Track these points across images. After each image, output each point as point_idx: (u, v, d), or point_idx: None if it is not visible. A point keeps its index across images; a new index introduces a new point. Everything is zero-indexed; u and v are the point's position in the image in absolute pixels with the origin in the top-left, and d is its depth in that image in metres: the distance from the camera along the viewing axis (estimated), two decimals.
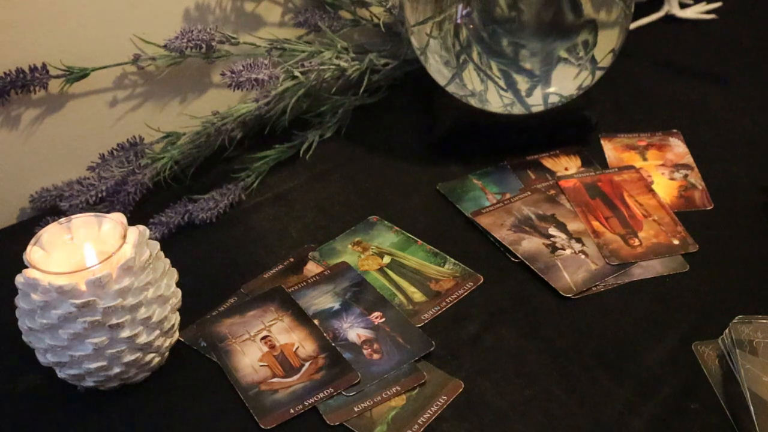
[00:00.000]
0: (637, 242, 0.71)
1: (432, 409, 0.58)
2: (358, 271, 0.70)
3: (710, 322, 0.63)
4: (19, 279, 0.56)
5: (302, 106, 0.88)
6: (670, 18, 1.08)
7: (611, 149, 0.83)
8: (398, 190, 0.80)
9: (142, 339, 0.57)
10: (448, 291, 0.68)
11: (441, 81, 0.81)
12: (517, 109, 0.80)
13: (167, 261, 0.61)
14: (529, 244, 0.71)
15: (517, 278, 0.69)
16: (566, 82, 0.77)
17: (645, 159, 0.82)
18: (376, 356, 0.62)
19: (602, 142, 0.85)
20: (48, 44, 0.76)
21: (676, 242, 0.71)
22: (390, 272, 0.70)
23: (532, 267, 0.69)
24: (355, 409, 0.58)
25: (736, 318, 0.61)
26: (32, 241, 0.57)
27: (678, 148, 0.83)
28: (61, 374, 0.59)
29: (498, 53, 0.75)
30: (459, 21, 0.75)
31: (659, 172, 0.80)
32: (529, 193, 0.77)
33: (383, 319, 0.65)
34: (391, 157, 0.85)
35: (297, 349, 0.63)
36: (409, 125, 0.90)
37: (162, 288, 0.59)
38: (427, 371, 0.61)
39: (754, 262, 0.69)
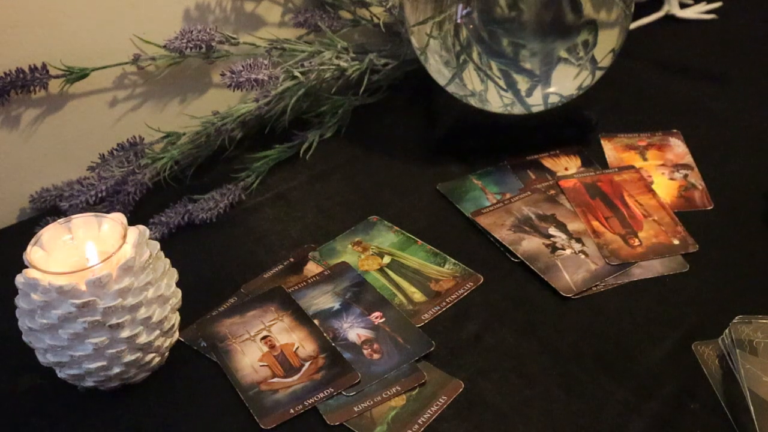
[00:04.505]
0: (637, 242, 0.71)
1: (432, 409, 0.58)
2: (358, 271, 0.70)
3: (710, 322, 0.63)
4: (19, 279, 0.56)
5: (302, 106, 0.88)
6: (670, 18, 1.08)
7: (611, 149, 0.83)
8: (398, 190, 0.80)
9: (142, 339, 0.57)
10: (448, 291, 0.68)
11: (441, 81, 0.81)
12: (517, 109, 0.80)
13: (167, 261, 0.61)
14: (529, 244, 0.71)
15: (517, 278, 0.69)
16: (566, 82, 0.77)
17: (645, 159, 0.82)
18: (376, 356, 0.62)
19: (602, 142, 0.85)
20: (48, 44, 0.76)
21: (676, 242, 0.71)
22: (390, 272, 0.70)
23: (532, 267, 0.69)
24: (355, 409, 0.58)
25: (736, 318, 0.61)
26: (32, 241, 0.57)
27: (678, 148, 0.83)
28: (61, 374, 0.59)
29: (498, 53, 0.75)
30: (459, 21, 0.75)
31: (659, 172, 0.80)
32: (529, 193, 0.77)
33: (383, 319, 0.65)
34: (391, 157, 0.85)
35: (297, 349, 0.63)
36: (409, 125, 0.90)
37: (162, 288, 0.59)
38: (427, 371, 0.61)
39: (754, 262, 0.69)
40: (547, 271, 0.68)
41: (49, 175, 0.80)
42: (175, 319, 0.62)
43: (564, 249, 0.71)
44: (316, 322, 0.65)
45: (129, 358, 0.57)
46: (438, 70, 0.80)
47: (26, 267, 0.56)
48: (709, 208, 0.75)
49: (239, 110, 0.81)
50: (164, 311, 0.59)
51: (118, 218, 0.58)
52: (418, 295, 0.67)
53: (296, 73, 0.82)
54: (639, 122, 0.87)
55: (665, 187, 0.78)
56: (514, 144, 0.83)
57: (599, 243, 0.71)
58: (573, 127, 0.85)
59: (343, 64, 0.86)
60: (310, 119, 0.88)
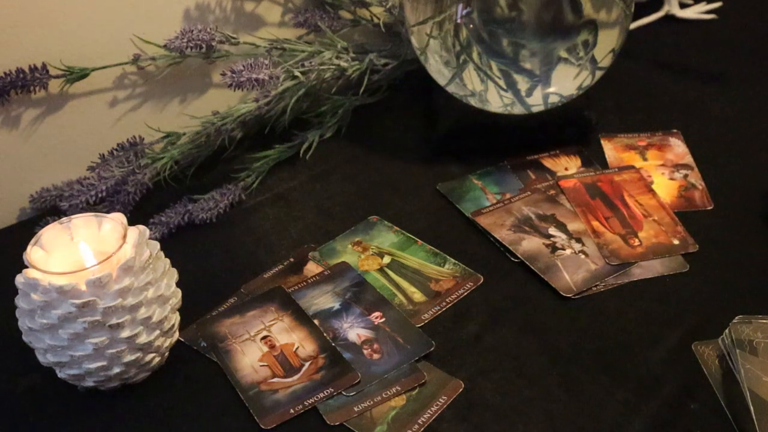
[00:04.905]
0: (637, 242, 0.71)
1: (432, 409, 0.58)
2: (358, 271, 0.70)
3: (710, 322, 0.63)
4: (19, 279, 0.56)
5: (302, 106, 0.88)
6: (670, 18, 1.08)
7: (611, 149, 0.83)
8: (398, 190, 0.80)
9: (142, 339, 0.57)
10: (448, 291, 0.68)
11: (441, 81, 0.81)
12: (517, 109, 0.80)
13: (167, 261, 0.61)
14: (529, 244, 0.71)
15: (517, 278, 0.69)
16: (566, 82, 0.77)
17: (645, 159, 0.82)
18: (376, 356, 0.62)
19: (602, 142, 0.85)
20: (48, 44, 0.76)
21: (676, 242, 0.71)
22: (390, 272, 0.70)
23: (532, 267, 0.69)
24: (355, 409, 0.58)
25: (736, 318, 0.61)
26: (32, 241, 0.57)
27: (678, 148, 0.83)
28: (61, 374, 0.59)
29: (498, 53, 0.75)
30: (459, 21, 0.75)
31: (659, 172, 0.80)
32: (529, 193, 0.77)
33: (383, 319, 0.65)
34: (391, 157, 0.85)
35: (297, 349, 0.63)
36: (409, 125, 0.90)
37: (162, 288, 0.59)
38: (427, 371, 0.61)
39: (754, 262, 0.69)
40: (547, 271, 0.68)
41: (49, 175, 0.80)
42: (175, 319, 0.62)
43: (564, 249, 0.71)
44: (316, 322, 0.65)
45: (129, 358, 0.57)
46: (438, 70, 0.80)
47: (26, 267, 0.56)
48: (709, 208, 0.75)
49: (239, 110, 0.81)
50: (164, 311, 0.59)
51: (118, 218, 0.58)
52: (418, 295, 0.67)
53: (296, 73, 0.82)
54: (639, 122, 0.87)
55: (665, 187, 0.78)
56: (514, 144, 0.83)
57: (599, 243, 0.71)
58: (573, 127, 0.85)
59: (343, 64, 0.86)
60: (310, 119, 0.88)
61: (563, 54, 0.75)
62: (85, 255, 0.58)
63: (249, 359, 0.62)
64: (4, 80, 0.74)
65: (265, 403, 0.59)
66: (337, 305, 0.67)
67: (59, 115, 0.80)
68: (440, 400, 0.59)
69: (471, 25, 0.74)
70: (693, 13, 1.07)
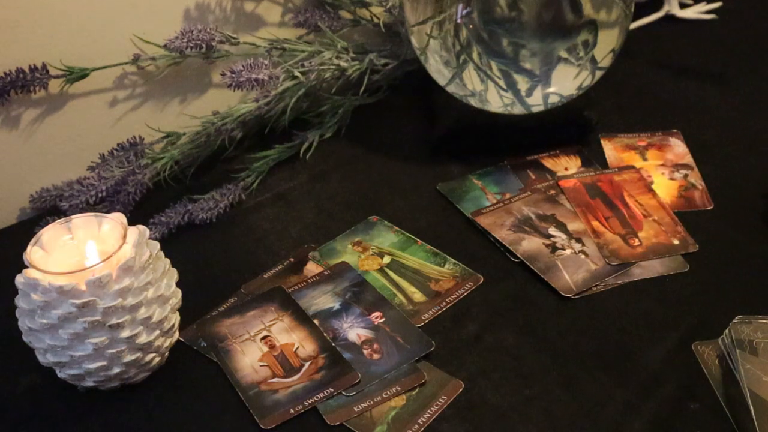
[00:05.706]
0: (637, 242, 0.71)
1: (432, 409, 0.58)
2: (358, 271, 0.70)
3: (710, 322, 0.63)
4: (19, 279, 0.56)
5: (302, 106, 0.88)
6: (670, 18, 1.08)
7: (611, 149, 0.83)
8: (398, 190, 0.80)
9: (142, 339, 0.57)
10: (448, 291, 0.68)
11: (441, 81, 0.81)
12: (517, 109, 0.80)
13: (167, 261, 0.61)
14: (529, 244, 0.71)
15: (517, 278, 0.69)
16: (566, 82, 0.77)
17: (645, 159, 0.82)
18: (376, 356, 0.62)
19: (602, 142, 0.85)
20: (48, 44, 0.76)
21: (676, 242, 0.71)
22: (390, 272, 0.70)
23: (532, 267, 0.69)
24: (355, 409, 0.58)
25: (736, 318, 0.61)
26: (32, 241, 0.57)
27: (678, 148, 0.83)
28: (61, 374, 0.59)
29: (498, 53, 0.75)
30: (459, 21, 0.75)
31: (659, 172, 0.80)
32: (529, 193, 0.77)
33: (383, 319, 0.65)
34: (391, 157, 0.85)
35: (297, 349, 0.63)
36: (409, 125, 0.90)
37: (162, 288, 0.59)
38: (427, 371, 0.61)
39: (754, 262, 0.69)
40: (547, 271, 0.68)
41: (49, 175, 0.80)
42: (175, 319, 0.62)
43: (564, 249, 0.71)
44: (316, 322, 0.65)
45: (129, 358, 0.57)
46: (438, 70, 0.80)
47: (26, 267, 0.56)
48: (709, 208, 0.75)
49: (239, 110, 0.81)
50: (164, 311, 0.59)
51: (118, 218, 0.58)
52: (418, 295, 0.67)
53: (296, 73, 0.82)
54: (639, 122, 0.87)
55: (665, 187, 0.78)
56: (514, 144, 0.83)
57: (599, 243, 0.71)
58: (573, 127, 0.85)
59: (343, 64, 0.86)
60: (310, 119, 0.88)
61: (563, 54, 0.75)
62: (91, 254, 0.58)
63: (249, 359, 0.62)
64: (4, 80, 0.74)
65: (265, 403, 0.59)
66: (337, 305, 0.67)
67: (59, 115, 0.80)
68: (440, 400, 0.59)
69: (471, 25, 0.74)
70: (693, 13, 1.07)
